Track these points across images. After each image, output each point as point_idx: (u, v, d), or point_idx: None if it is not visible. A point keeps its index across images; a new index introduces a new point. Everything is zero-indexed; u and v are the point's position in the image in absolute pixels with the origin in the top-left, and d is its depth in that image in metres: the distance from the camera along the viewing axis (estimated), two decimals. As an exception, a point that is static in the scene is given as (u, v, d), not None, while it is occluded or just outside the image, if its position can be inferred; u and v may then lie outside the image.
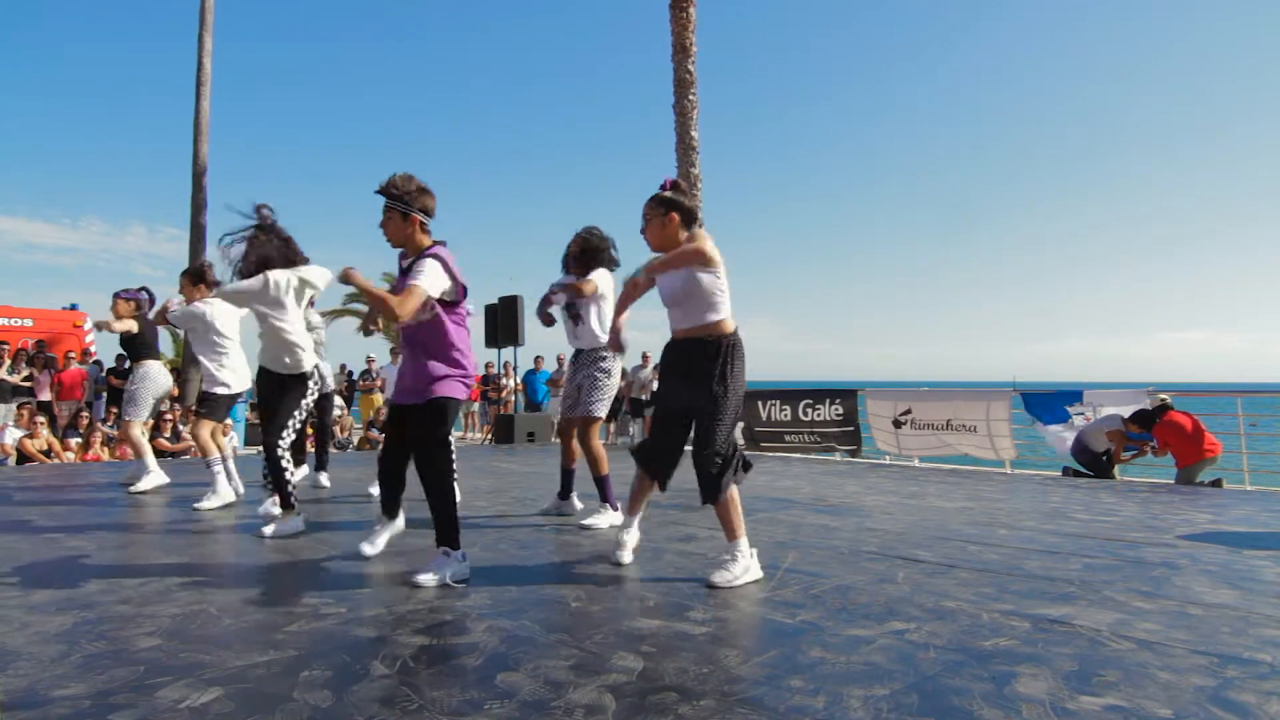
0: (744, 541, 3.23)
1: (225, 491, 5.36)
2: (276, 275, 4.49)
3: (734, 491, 3.22)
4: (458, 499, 3.41)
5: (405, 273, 3.36)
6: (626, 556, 3.54)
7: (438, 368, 3.33)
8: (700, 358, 3.21)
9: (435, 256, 3.27)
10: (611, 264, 4.65)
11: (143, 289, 6.50)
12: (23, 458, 9.37)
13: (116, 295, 6.34)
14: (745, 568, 3.20)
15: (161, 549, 3.86)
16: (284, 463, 4.35)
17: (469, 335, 3.47)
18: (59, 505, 5.31)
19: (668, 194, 3.34)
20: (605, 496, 4.63)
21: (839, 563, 3.59)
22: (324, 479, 6.29)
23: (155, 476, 6.15)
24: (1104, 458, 8.02)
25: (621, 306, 3.55)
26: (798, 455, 10.30)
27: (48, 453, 9.61)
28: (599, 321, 4.61)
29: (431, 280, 3.21)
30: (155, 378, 6.23)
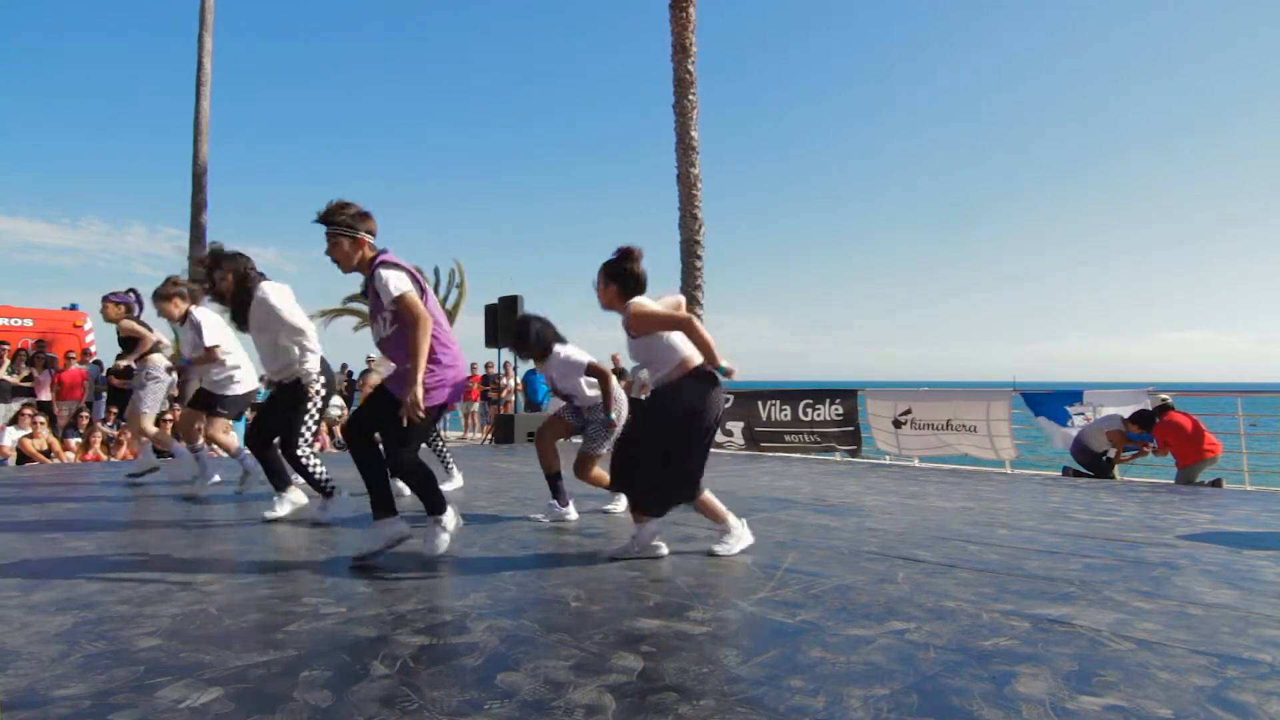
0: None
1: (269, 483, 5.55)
2: (274, 293, 4.62)
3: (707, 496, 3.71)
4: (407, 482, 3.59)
5: (373, 294, 3.46)
6: (664, 548, 3.74)
7: (401, 374, 3.43)
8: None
9: (385, 265, 3.42)
10: (556, 340, 4.80)
11: (130, 291, 6.61)
12: (23, 458, 9.37)
13: (106, 299, 6.42)
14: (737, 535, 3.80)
15: (161, 549, 3.86)
16: (304, 460, 4.67)
17: (444, 330, 3.54)
18: (59, 505, 5.31)
19: (614, 262, 3.68)
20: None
21: (839, 563, 3.59)
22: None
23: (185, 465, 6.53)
24: (1104, 458, 8.01)
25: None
26: (798, 455, 10.29)
27: (48, 453, 9.61)
28: (585, 387, 4.78)
29: (406, 283, 3.38)
30: (162, 372, 6.42)
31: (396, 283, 3.35)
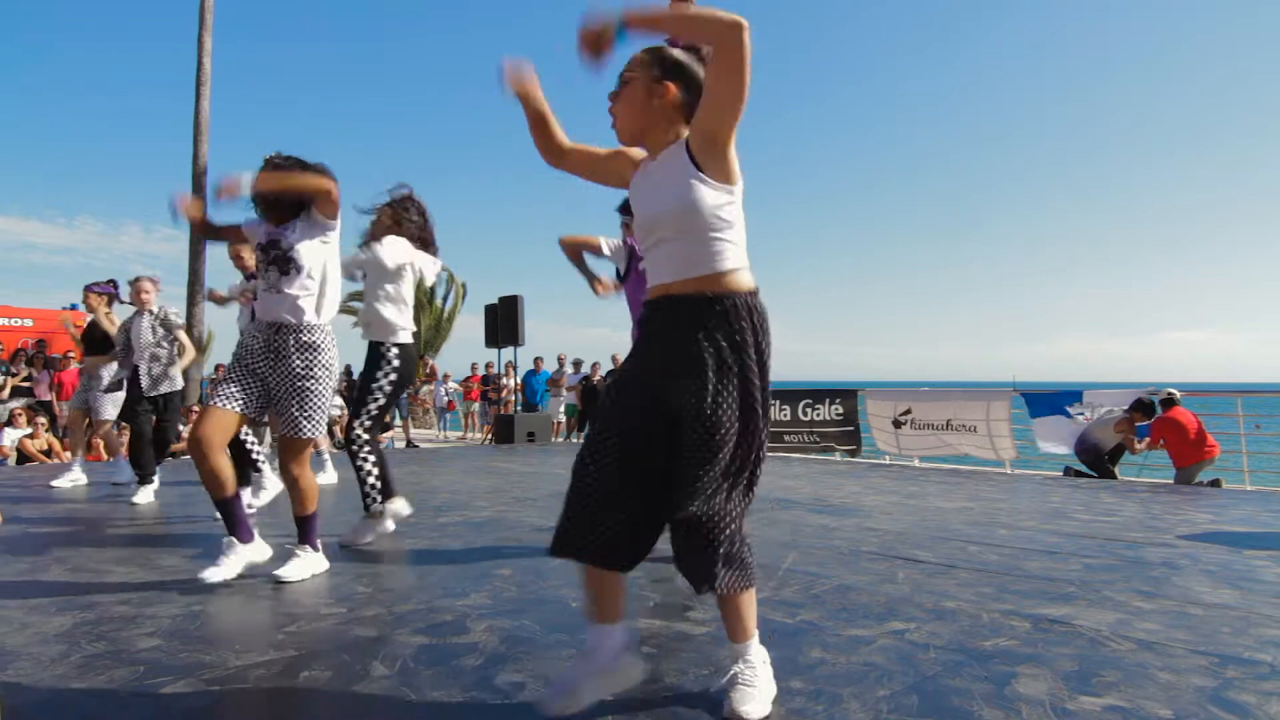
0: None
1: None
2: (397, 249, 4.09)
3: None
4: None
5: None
6: None
7: None
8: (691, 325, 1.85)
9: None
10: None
11: (110, 281, 6.32)
12: (23, 458, 9.37)
13: (88, 289, 6.18)
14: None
15: (161, 549, 3.86)
16: (360, 457, 3.92)
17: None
18: (59, 505, 5.31)
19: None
20: None
21: (839, 563, 3.59)
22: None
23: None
24: (1107, 457, 8.00)
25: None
26: (798, 455, 10.29)
27: (48, 453, 9.61)
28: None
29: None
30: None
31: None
